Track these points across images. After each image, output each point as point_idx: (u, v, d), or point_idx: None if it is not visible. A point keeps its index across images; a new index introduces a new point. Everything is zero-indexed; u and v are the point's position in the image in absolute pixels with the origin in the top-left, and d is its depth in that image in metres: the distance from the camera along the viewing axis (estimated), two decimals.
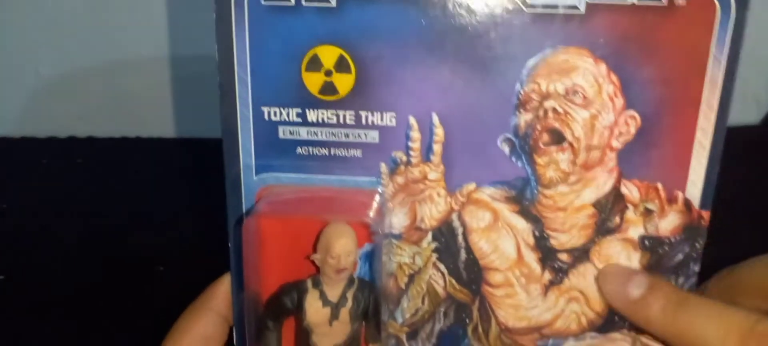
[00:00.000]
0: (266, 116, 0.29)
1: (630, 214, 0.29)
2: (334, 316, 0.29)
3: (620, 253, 0.29)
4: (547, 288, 0.30)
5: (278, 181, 0.30)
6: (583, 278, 0.30)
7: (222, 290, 0.32)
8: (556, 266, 0.30)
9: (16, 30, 0.73)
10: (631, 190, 0.29)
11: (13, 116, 0.78)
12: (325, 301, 0.29)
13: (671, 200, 0.28)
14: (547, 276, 0.30)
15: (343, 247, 0.28)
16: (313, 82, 0.28)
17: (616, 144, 0.28)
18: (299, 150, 0.29)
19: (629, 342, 0.31)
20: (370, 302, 0.30)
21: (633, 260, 0.29)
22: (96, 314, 0.50)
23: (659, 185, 0.28)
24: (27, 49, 0.74)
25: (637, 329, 0.31)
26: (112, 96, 0.77)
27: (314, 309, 0.29)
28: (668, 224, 0.29)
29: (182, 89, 0.76)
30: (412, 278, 0.31)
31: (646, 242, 0.29)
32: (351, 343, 0.30)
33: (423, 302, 0.31)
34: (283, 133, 0.29)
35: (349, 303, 0.29)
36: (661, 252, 0.29)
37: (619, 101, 0.27)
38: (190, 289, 0.56)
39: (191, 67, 0.74)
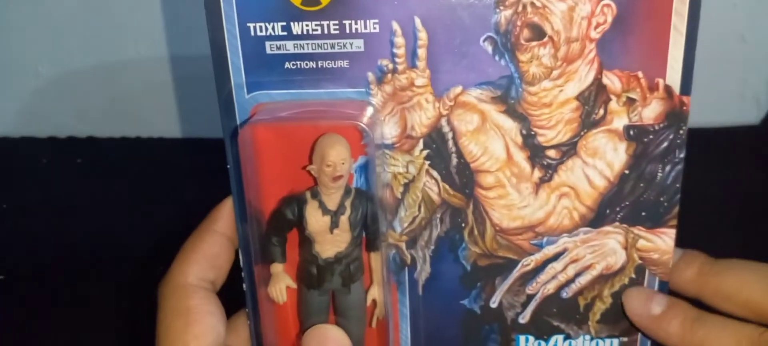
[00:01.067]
0: (253, 32, 0.29)
1: (613, 105, 0.29)
2: (334, 224, 0.30)
3: (607, 144, 0.30)
4: (537, 186, 0.31)
5: (270, 98, 0.31)
6: (572, 172, 0.31)
7: (225, 211, 0.33)
8: (545, 162, 0.31)
9: (16, 30, 0.74)
10: (612, 80, 0.29)
11: (13, 116, 0.78)
12: (325, 210, 0.30)
13: (652, 87, 0.29)
14: (537, 174, 0.31)
15: (337, 154, 0.29)
16: None
17: (595, 34, 0.29)
18: (287, 65, 0.30)
19: (622, 234, 0.32)
20: (368, 210, 0.31)
21: (619, 150, 0.30)
22: (96, 314, 0.51)
23: (640, 73, 0.29)
24: (27, 49, 0.75)
25: (629, 221, 0.31)
26: (112, 96, 0.77)
27: (314, 218, 0.30)
28: (651, 111, 0.29)
29: (182, 89, 0.77)
30: (407, 186, 0.32)
31: (631, 132, 0.30)
32: (352, 251, 0.31)
33: (419, 210, 0.32)
34: (270, 48, 0.30)
35: (348, 211, 0.30)
36: (646, 140, 0.30)
37: None
38: None
39: (191, 67, 0.74)
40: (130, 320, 0.51)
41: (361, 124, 0.29)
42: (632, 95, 0.29)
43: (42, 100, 0.77)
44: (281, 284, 0.32)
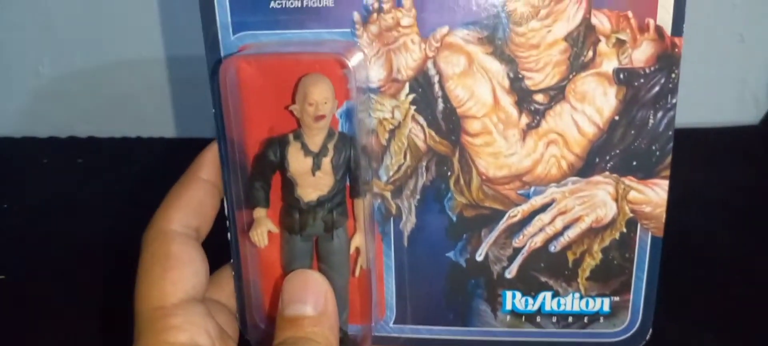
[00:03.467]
0: None
1: (602, 46, 0.29)
2: (316, 166, 0.30)
3: (596, 89, 0.29)
4: (525, 133, 0.30)
5: (255, 39, 0.30)
6: (560, 118, 0.30)
7: (209, 157, 0.33)
8: (533, 108, 0.30)
9: (17, 30, 0.74)
10: (601, 20, 0.28)
11: (13, 116, 0.79)
12: (307, 151, 0.30)
13: (643, 28, 0.28)
14: (524, 120, 0.30)
15: (320, 93, 0.29)
16: None
17: None
18: (272, 4, 0.30)
19: (612, 185, 0.31)
20: (351, 154, 0.30)
21: (609, 95, 0.29)
22: (96, 313, 0.50)
23: (629, 13, 0.28)
24: (28, 49, 0.75)
25: (620, 171, 0.30)
26: (113, 96, 0.78)
27: (296, 160, 0.30)
28: (641, 53, 0.29)
29: (182, 89, 0.77)
30: (392, 133, 0.31)
31: (621, 75, 0.29)
32: (335, 196, 0.31)
33: (405, 158, 0.32)
34: None
35: (331, 153, 0.30)
36: (636, 84, 0.29)
37: None
38: None
39: (191, 68, 0.73)
40: (130, 320, 0.50)
41: (346, 61, 0.29)
42: (622, 36, 0.28)
43: (43, 101, 0.78)
44: (263, 228, 0.31)
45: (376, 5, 0.29)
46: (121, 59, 0.76)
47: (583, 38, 0.29)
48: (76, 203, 0.65)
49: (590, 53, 0.29)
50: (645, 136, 0.30)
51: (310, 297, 0.29)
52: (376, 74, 0.30)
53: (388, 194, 0.32)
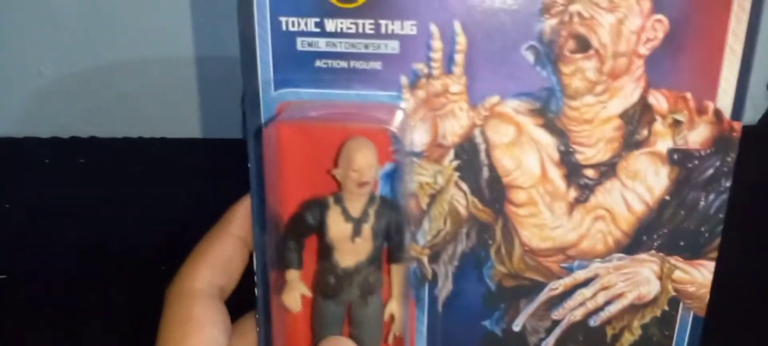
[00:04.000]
0: (284, 27, 0.28)
1: (658, 126, 0.28)
2: (356, 232, 0.29)
3: (648, 168, 0.29)
4: (572, 206, 0.30)
5: (297, 96, 0.29)
6: (610, 195, 0.29)
7: (241, 213, 0.31)
8: (582, 182, 0.29)
9: (18, 30, 0.74)
10: (658, 100, 0.28)
11: (15, 116, 0.78)
12: (347, 217, 0.29)
13: (701, 110, 0.28)
14: (573, 193, 0.29)
15: (365, 159, 0.28)
16: None
17: (644, 50, 0.27)
18: (318, 63, 0.29)
19: (657, 263, 0.30)
20: (392, 219, 0.29)
21: (661, 174, 0.29)
22: (97, 314, 0.50)
23: (688, 95, 0.27)
24: (29, 49, 0.75)
25: (666, 250, 0.30)
26: (115, 96, 0.77)
27: (336, 225, 0.29)
28: (698, 136, 0.28)
29: (184, 90, 0.77)
30: (433, 197, 0.30)
31: (675, 156, 0.28)
32: (373, 262, 0.30)
33: (445, 223, 0.31)
34: (301, 44, 0.28)
35: (371, 219, 0.29)
36: (690, 166, 0.28)
37: (647, 4, 0.27)
38: None
39: (193, 68, 0.74)
40: (130, 320, 0.50)
41: (392, 129, 0.28)
42: (679, 117, 0.28)
43: (44, 101, 0.78)
44: (296, 292, 0.30)
45: (425, 70, 0.28)
46: (123, 59, 0.75)
47: (638, 116, 0.28)
48: (78, 203, 0.65)
49: (645, 132, 0.28)
50: (695, 217, 0.29)
51: None
52: (420, 138, 0.29)
53: (424, 259, 0.31)
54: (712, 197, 0.29)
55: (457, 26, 0.28)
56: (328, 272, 0.30)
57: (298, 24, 0.28)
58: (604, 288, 0.31)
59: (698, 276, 0.30)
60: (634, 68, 0.27)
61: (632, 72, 0.27)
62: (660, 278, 0.30)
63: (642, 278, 0.30)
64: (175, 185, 0.69)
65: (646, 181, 0.29)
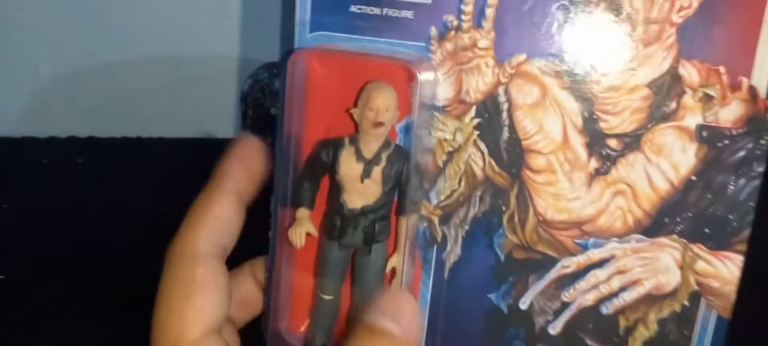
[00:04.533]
0: None
1: (687, 99, 0.27)
2: (366, 173, 0.29)
3: (674, 143, 0.27)
4: (592, 177, 0.29)
5: (330, 40, 0.30)
6: (632, 168, 0.28)
7: (234, 166, 0.31)
8: (604, 152, 0.28)
9: (16, 29, 0.74)
10: (689, 72, 0.27)
11: (13, 116, 0.77)
12: (360, 156, 0.29)
13: (734, 86, 0.27)
14: (594, 164, 0.28)
15: (383, 100, 0.28)
16: None
17: (677, 18, 0.27)
18: (352, 8, 0.30)
19: (679, 250, 0.28)
20: (404, 168, 0.29)
21: (688, 152, 0.27)
22: (96, 314, 0.50)
23: (721, 68, 0.27)
24: (27, 48, 0.74)
25: (690, 237, 0.28)
26: (113, 96, 0.77)
27: (347, 164, 0.29)
28: (730, 113, 0.27)
29: (183, 89, 0.76)
30: (451, 155, 0.30)
31: (704, 133, 0.27)
32: (379, 208, 0.29)
33: (459, 184, 0.30)
34: None
35: (383, 163, 0.29)
36: (720, 146, 0.27)
37: None
38: None
39: (192, 67, 0.74)
40: (130, 320, 0.47)
41: (415, 72, 0.28)
42: (710, 91, 0.27)
43: (42, 100, 0.77)
44: (302, 229, 0.30)
45: (455, 23, 0.29)
46: (121, 59, 0.75)
47: (667, 87, 0.27)
48: (76, 203, 0.64)
49: (673, 104, 0.27)
50: (722, 202, 0.27)
51: (404, 319, 0.26)
52: (443, 92, 0.29)
53: (435, 219, 0.31)
54: (742, 181, 0.27)
55: None
56: (334, 213, 0.30)
57: None
58: (620, 272, 0.29)
59: (723, 270, 0.28)
60: (666, 36, 0.27)
61: (663, 40, 0.27)
62: (681, 268, 0.28)
63: (661, 265, 0.28)
64: (174, 185, 0.65)
65: (671, 157, 0.28)
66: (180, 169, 0.67)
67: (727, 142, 0.27)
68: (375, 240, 0.30)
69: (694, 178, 0.27)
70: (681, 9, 0.27)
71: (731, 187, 0.27)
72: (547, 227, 0.29)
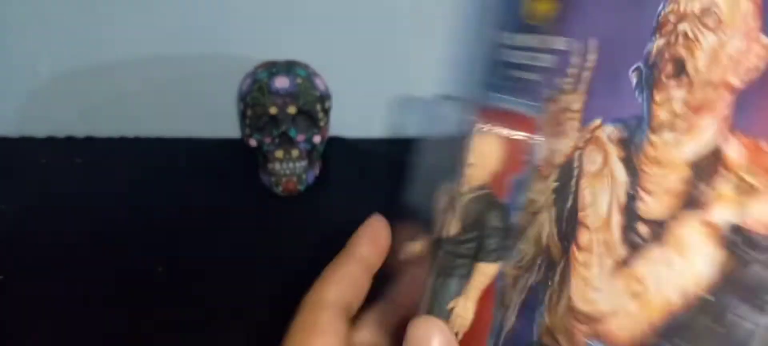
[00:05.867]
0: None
1: (722, 184, 0.19)
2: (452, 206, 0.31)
3: (696, 242, 0.20)
4: (618, 268, 0.23)
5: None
6: (654, 267, 0.21)
7: (365, 235, 0.34)
8: (634, 240, 0.22)
9: (15, 29, 0.73)
10: (732, 147, 0.19)
11: (11, 116, 0.77)
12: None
13: None
14: (621, 252, 0.23)
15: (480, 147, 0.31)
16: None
17: (736, 81, 0.20)
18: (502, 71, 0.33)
19: None
20: (485, 216, 0.30)
21: (710, 259, 0.19)
22: (95, 314, 0.50)
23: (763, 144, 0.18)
24: (26, 48, 0.74)
25: None
26: (111, 96, 0.76)
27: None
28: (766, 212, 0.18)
29: (182, 89, 0.74)
30: (534, 216, 0.29)
31: (736, 237, 0.19)
32: (459, 247, 0.31)
33: (532, 247, 0.28)
34: (494, 53, 0.33)
35: (468, 199, 0.31)
36: (746, 258, 0.18)
37: (754, 24, 0.20)
38: (189, 289, 0.56)
39: (191, 67, 0.72)
40: (129, 319, 0.51)
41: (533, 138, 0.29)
42: (749, 179, 0.18)
43: (41, 100, 0.77)
44: (418, 244, 0.34)
45: (561, 85, 0.28)
46: (119, 59, 0.74)
47: (708, 167, 0.20)
48: (74, 203, 0.64)
49: (706, 188, 0.20)
50: (732, 342, 0.18)
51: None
52: (539, 152, 0.29)
53: (510, 280, 0.30)
54: (764, 321, 0.17)
55: (592, 43, 0.27)
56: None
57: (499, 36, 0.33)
58: None
59: None
60: (722, 105, 0.20)
61: (718, 111, 0.20)
62: None
63: None
64: (172, 185, 0.67)
65: (691, 259, 0.20)
66: (178, 169, 0.72)
67: (755, 253, 0.18)
68: (445, 273, 0.31)
69: (709, 297, 0.19)
70: (746, 70, 0.20)
71: (746, 324, 0.18)
72: (571, 316, 0.25)
